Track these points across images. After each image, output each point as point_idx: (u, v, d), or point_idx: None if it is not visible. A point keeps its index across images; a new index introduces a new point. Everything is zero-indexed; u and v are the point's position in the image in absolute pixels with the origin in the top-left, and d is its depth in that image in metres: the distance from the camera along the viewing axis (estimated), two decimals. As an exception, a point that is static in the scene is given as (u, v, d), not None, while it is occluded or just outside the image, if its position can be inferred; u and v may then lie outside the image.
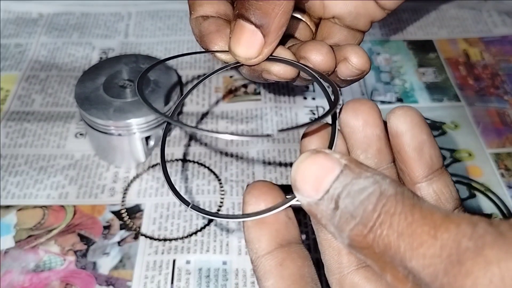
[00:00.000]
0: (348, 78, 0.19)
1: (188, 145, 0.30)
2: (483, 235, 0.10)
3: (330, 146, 0.15)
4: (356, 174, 0.12)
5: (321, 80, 0.18)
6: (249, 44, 0.17)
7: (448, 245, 0.10)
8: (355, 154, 0.15)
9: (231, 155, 0.30)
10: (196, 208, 0.15)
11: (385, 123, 0.15)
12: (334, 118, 0.15)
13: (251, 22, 0.17)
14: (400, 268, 0.11)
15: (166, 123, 0.19)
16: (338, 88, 0.16)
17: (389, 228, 0.11)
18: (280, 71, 0.19)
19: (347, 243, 0.12)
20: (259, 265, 0.14)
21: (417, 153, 0.14)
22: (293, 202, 0.14)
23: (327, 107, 0.33)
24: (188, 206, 0.16)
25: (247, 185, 0.15)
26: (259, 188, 0.14)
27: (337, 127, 0.15)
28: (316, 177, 0.12)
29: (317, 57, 0.18)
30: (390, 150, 0.15)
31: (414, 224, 0.11)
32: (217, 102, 0.33)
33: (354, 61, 0.18)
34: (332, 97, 0.16)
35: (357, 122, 0.15)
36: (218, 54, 0.19)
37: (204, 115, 0.32)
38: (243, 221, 0.14)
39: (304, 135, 0.16)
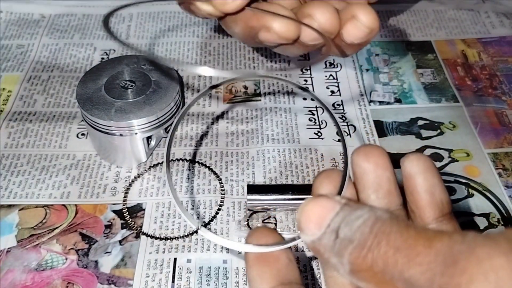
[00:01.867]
0: (356, 41, 0.18)
1: (189, 145, 0.30)
2: (473, 240, 0.11)
3: (340, 191, 0.16)
4: (354, 208, 0.13)
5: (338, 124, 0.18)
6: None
7: (442, 250, 0.11)
8: (366, 194, 0.16)
9: (231, 155, 0.30)
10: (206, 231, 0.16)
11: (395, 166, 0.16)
12: (346, 165, 0.16)
13: None
14: (399, 284, 0.12)
15: (168, 142, 0.18)
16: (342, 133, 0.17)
17: (386, 245, 0.12)
18: (281, 28, 0.17)
19: (348, 269, 0.13)
20: None
21: (429, 195, 0.15)
22: (296, 242, 0.15)
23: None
24: (197, 228, 0.16)
25: (251, 230, 0.16)
26: (261, 231, 0.16)
27: (348, 174, 0.16)
28: (318, 216, 0.13)
29: (323, 16, 0.17)
30: (399, 193, 0.16)
31: (409, 239, 0.12)
32: (217, 103, 0.33)
33: (362, 18, 0.18)
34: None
35: (369, 164, 0.16)
36: (198, 4, 0.17)
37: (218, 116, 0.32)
38: (247, 257, 0.15)
39: (316, 178, 0.16)
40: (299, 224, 0.14)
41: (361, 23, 0.18)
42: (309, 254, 0.25)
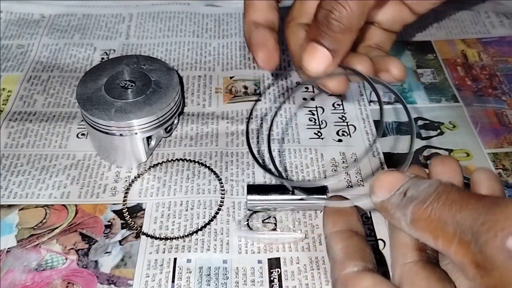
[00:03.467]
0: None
1: (189, 145, 0.30)
2: None
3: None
4: (422, 178, 0.17)
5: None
6: (320, 62, 0.21)
7: (489, 201, 0.15)
8: None
9: (232, 155, 0.30)
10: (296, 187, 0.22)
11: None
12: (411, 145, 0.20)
13: (325, 46, 0.21)
14: (450, 227, 0.15)
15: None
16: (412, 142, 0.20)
17: (446, 199, 0.16)
18: (334, 87, 0.23)
19: (410, 219, 0.17)
20: (331, 238, 0.19)
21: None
22: (365, 201, 0.20)
23: (326, 108, 0.33)
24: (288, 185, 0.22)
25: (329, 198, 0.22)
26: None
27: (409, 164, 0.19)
28: (390, 183, 0.18)
29: (396, 71, 0.24)
30: None
31: (465, 195, 0.16)
32: (217, 103, 0.33)
33: (394, 72, 0.24)
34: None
35: (444, 172, 0.19)
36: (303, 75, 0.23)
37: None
38: (325, 209, 0.21)
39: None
40: (372, 189, 0.18)
41: (393, 76, 0.24)
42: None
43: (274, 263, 0.24)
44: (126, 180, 0.28)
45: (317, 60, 0.21)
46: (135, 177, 0.28)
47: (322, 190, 0.26)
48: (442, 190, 0.16)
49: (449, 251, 0.16)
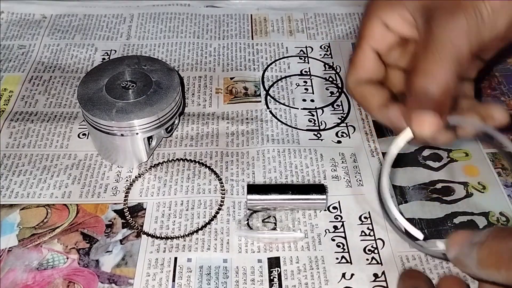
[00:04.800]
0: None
1: (190, 145, 0.30)
2: None
3: None
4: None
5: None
6: (430, 126, 0.23)
7: None
8: None
9: (232, 155, 0.30)
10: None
11: None
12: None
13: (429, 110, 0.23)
14: (505, 256, 0.18)
15: None
16: None
17: (500, 236, 0.19)
18: (443, 142, 0.25)
19: (476, 261, 0.19)
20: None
21: None
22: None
23: (326, 109, 0.33)
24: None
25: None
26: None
27: None
28: (460, 239, 0.21)
29: (501, 116, 0.24)
30: None
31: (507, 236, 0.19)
32: (217, 103, 0.33)
33: (499, 118, 0.24)
34: None
35: None
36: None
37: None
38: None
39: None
40: (447, 249, 0.21)
41: (497, 122, 0.24)
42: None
43: (274, 263, 0.25)
44: (127, 180, 0.28)
45: (427, 125, 0.23)
46: (136, 177, 0.29)
47: (321, 188, 0.26)
48: (496, 229, 0.19)
49: (510, 277, 0.18)
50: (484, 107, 0.25)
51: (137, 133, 0.27)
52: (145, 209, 0.27)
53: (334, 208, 0.27)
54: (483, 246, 0.19)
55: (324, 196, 0.26)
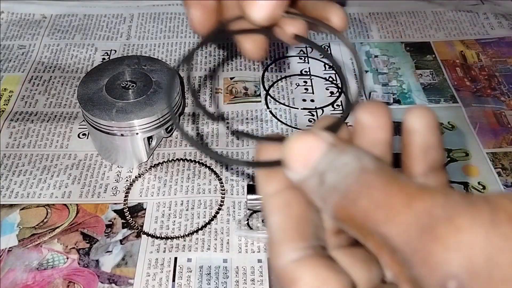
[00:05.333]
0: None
1: (190, 145, 0.30)
2: (455, 204, 0.11)
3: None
4: (341, 151, 0.13)
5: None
6: (263, 8, 0.18)
7: (422, 213, 0.11)
8: None
9: (232, 155, 0.30)
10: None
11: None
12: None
13: None
14: (377, 237, 0.12)
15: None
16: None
17: (368, 200, 0.12)
18: (249, 48, 0.20)
19: (332, 216, 0.13)
20: (267, 204, 0.14)
21: (423, 153, 0.15)
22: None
23: (326, 108, 0.33)
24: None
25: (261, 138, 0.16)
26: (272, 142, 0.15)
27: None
28: (304, 155, 0.13)
29: (338, 21, 0.20)
30: (391, 155, 0.16)
31: (391, 196, 0.12)
32: (217, 103, 0.33)
33: (335, 21, 0.20)
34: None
35: (371, 123, 0.15)
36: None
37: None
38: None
39: (316, 124, 0.16)
40: (284, 158, 0.13)
41: (333, 25, 0.20)
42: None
43: (274, 262, 0.24)
44: (127, 180, 0.28)
45: (260, 5, 0.18)
46: (136, 177, 0.29)
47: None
48: (363, 183, 0.12)
49: (382, 259, 0.12)
50: (324, 7, 0.21)
51: (137, 133, 0.27)
52: (145, 209, 0.27)
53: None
54: (345, 207, 0.12)
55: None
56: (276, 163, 0.14)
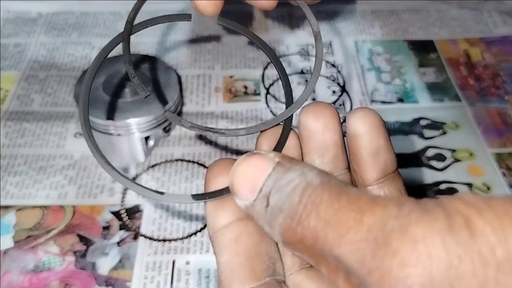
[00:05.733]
0: None
1: (188, 145, 0.30)
2: (408, 214, 0.10)
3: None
4: (286, 169, 0.12)
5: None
6: None
7: (374, 227, 0.10)
8: (311, 158, 0.15)
9: (232, 155, 0.29)
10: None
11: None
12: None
13: None
14: (330, 259, 0.11)
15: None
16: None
17: (316, 218, 0.11)
18: (203, 6, 0.18)
19: (281, 240, 0.12)
20: (215, 240, 0.13)
21: (372, 157, 0.14)
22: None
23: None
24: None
25: (215, 161, 0.14)
26: (220, 165, 0.14)
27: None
28: (250, 179, 0.12)
29: None
30: (345, 156, 0.15)
31: (340, 211, 0.11)
32: (217, 102, 0.33)
33: None
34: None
35: (317, 126, 0.14)
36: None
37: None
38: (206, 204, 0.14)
39: (260, 136, 0.15)
40: (231, 187, 0.12)
41: None
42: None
43: (274, 265, 0.24)
44: (124, 181, 0.28)
45: None
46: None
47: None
48: (309, 200, 0.11)
49: (338, 284, 0.11)
50: None
51: (134, 133, 0.27)
52: (142, 210, 0.26)
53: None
54: (292, 228, 0.11)
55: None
56: (224, 191, 0.13)
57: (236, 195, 0.12)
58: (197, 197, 0.13)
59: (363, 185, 0.15)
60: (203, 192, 0.14)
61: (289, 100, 0.15)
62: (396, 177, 0.15)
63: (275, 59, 0.17)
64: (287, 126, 0.15)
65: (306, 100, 0.15)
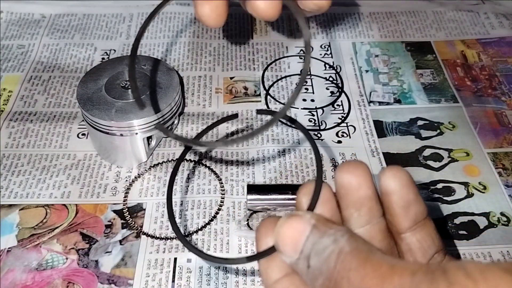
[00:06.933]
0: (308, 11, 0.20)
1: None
2: (418, 285, 0.12)
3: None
4: (322, 233, 0.14)
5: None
6: None
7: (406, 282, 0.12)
8: (349, 212, 0.17)
9: (232, 155, 0.30)
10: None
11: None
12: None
13: None
14: None
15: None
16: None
17: (348, 283, 0.13)
18: (205, 13, 0.20)
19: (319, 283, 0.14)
20: None
21: (404, 210, 0.16)
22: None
23: (327, 108, 0.33)
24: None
25: (262, 220, 0.17)
26: (265, 226, 0.16)
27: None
28: (292, 239, 0.14)
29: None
30: (380, 206, 0.17)
31: (366, 278, 0.13)
32: (217, 103, 0.33)
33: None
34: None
35: (352, 184, 0.16)
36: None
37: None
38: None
39: (299, 191, 0.17)
40: (276, 246, 0.15)
41: (314, 3, 0.20)
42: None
43: (274, 263, 0.24)
44: (126, 180, 0.28)
45: None
46: (135, 177, 0.28)
47: None
48: (341, 267, 0.13)
49: None
50: None
51: (136, 133, 0.27)
52: (144, 209, 0.27)
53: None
54: (332, 285, 0.13)
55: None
56: (273, 249, 0.15)
57: (282, 252, 0.15)
58: (250, 258, 0.16)
59: (397, 232, 0.17)
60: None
61: (319, 174, 0.17)
62: (427, 223, 0.17)
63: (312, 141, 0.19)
64: (319, 183, 0.16)
65: (289, 107, 0.16)
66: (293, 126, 0.19)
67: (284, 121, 0.19)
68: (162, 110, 0.27)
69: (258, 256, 0.16)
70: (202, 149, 0.24)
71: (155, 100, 0.28)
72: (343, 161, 0.17)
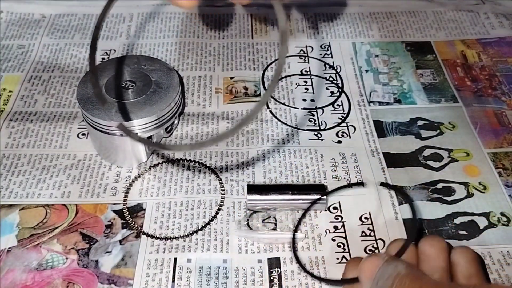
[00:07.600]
0: None
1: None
2: None
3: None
4: (388, 264, 0.20)
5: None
6: None
7: None
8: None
9: (232, 155, 0.30)
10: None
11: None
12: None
13: None
14: None
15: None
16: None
17: None
18: None
19: None
20: None
21: (465, 280, 0.21)
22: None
23: (327, 108, 0.33)
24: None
25: (351, 259, 0.24)
26: (354, 262, 0.22)
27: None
28: (370, 271, 0.20)
29: None
30: (449, 277, 0.21)
31: None
32: (217, 103, 0.33)
33: None
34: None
35: (432, 253, 0.21)
36: None
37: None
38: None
39: (391, 244, 0.23)
40: (360, 277, 0.21)
41: None
42: None
43: (274, 263, 0.24)
44: (126, 180, 0.28)
45: None
46: (135, 177, 0.28)
47: (321, 188, 0.26)
48: (399, 283, 0.19)
49: None
50: None
51: (136, 133, 0.27)
52: (144, 209, 0.27)
53: (335, 208, 0.27)
54: None
55: (324, 197, 0.26)
56: (355, 279, 0.21)
57: (361, 280, 0.20)
58: (338, 282, 0.23)
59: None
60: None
61: (412, 235, 0.23)
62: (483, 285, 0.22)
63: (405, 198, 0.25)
64: (408, 242, 0.22)
65: (264, 104, 0.15)
66: (404, 200, 0.26)
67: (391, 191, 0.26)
68: (162, 110, 0.27)
69: (345, 282, 0.22)
70: (168, 152, 0.27)
71: (155, 100, 0.28)
72: (429, 235, 0.24)
